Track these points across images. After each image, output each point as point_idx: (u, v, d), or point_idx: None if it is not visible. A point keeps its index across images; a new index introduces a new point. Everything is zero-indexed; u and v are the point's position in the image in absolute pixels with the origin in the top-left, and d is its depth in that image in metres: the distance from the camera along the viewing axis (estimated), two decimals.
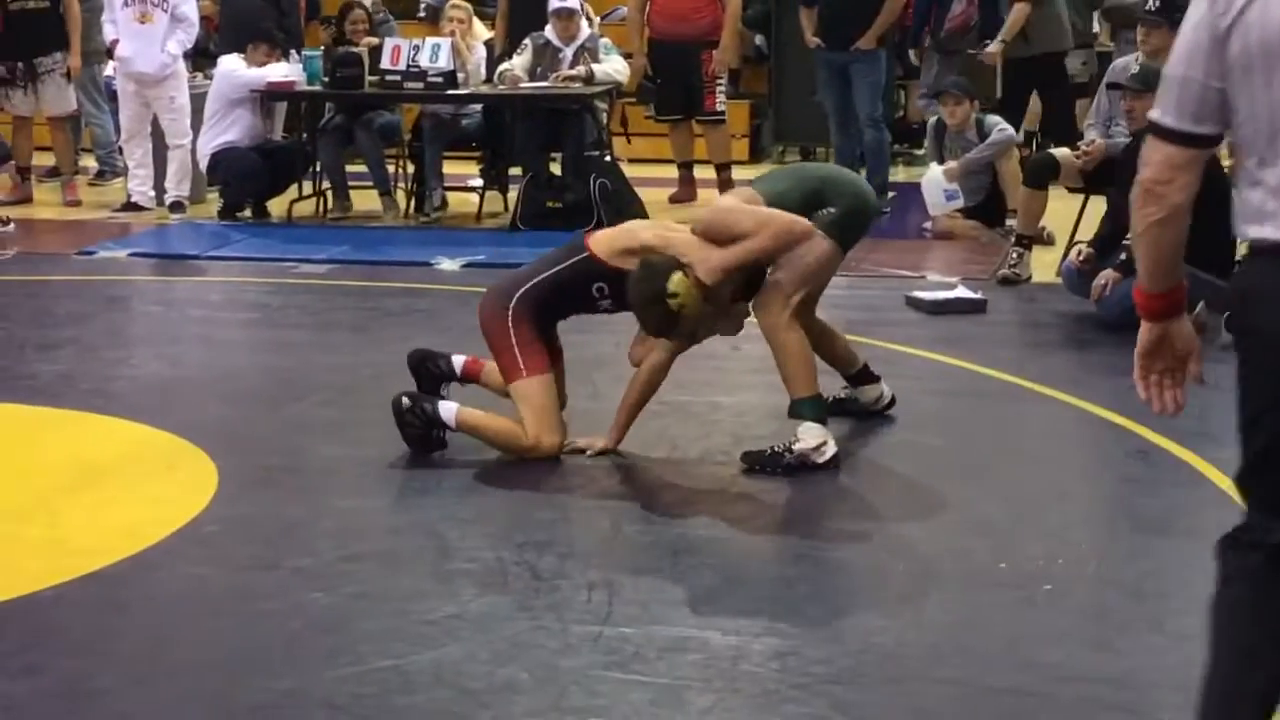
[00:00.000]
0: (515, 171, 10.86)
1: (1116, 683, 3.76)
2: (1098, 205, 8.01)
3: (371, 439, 5.62)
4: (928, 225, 10.02)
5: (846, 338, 6.04)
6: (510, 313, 5.51)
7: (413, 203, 10.96)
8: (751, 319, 5.52)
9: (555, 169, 10.70)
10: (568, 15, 10.55)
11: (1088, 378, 6.55)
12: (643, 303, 5.24)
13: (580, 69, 10.48)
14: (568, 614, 4.17)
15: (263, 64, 10.73)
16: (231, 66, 10.75)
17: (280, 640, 4.05)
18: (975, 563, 4.55)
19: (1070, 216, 8.77)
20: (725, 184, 11.13)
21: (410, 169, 11.17)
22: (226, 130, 10.64)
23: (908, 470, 5.45)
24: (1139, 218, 2.77)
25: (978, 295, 7.91)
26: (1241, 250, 3.09)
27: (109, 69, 11.89)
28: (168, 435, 5.77)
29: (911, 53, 12.78)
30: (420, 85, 10.37)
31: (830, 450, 5.34)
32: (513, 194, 10.67)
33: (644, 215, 8.83)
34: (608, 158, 10.59)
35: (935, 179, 9.79)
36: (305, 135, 11.14)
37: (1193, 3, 2.79)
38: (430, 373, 5.86)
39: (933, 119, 10.21)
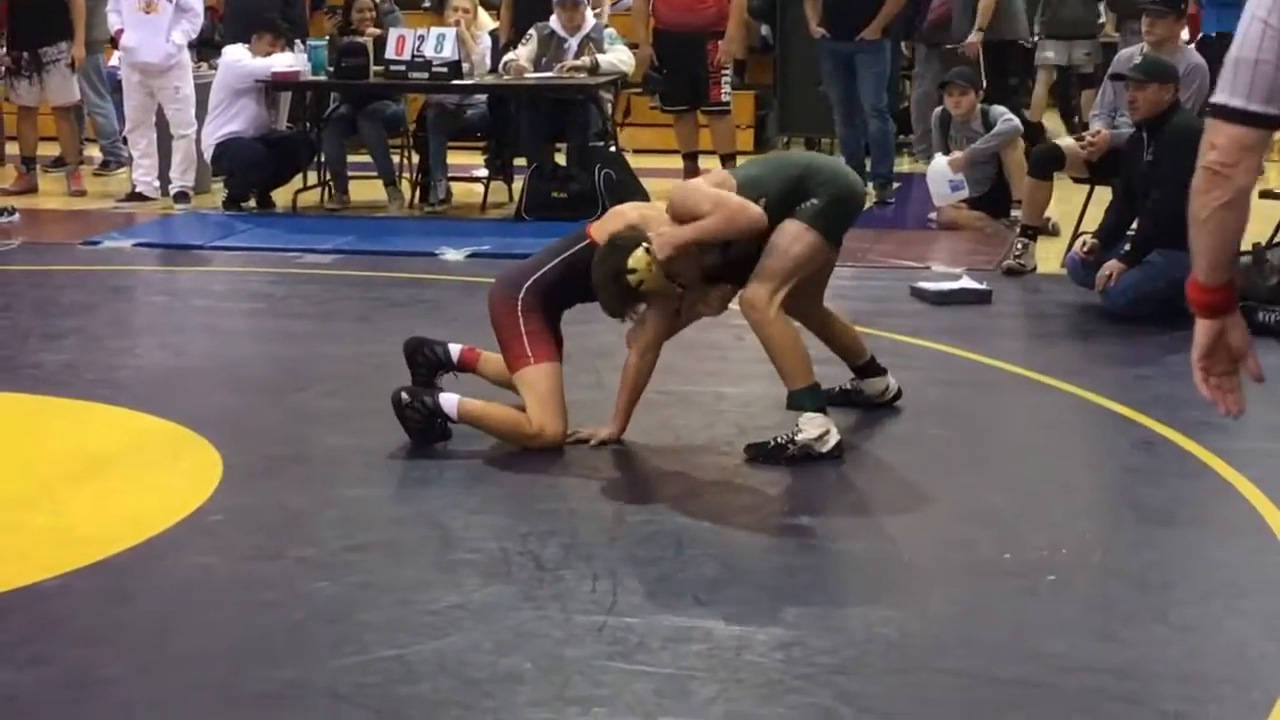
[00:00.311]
0: (520, 162, 10.85)
1: (1120, 673, 3.76)
2: (1103, 196, 8.00)
3: (375, 429, 5.62)
4: (933, 216, 10.01)
5: (857, 331, 6.03)
6: (520, 303, 5.53)
7: (417, 193, 10.96)
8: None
9: (560, 159, 10.71)
10: (572, 5, 10.55)
11: (1092, 368, 6.55)
12: (602, 279, 5.28)
13: (585, 59, 10.47)
14: (571, 604, 4.16)
15: (267, 54, 10.73)
16: (236, 56, 10.74)
17: (284, 630, 4.05)
18: (979, 553, 4.55)
19: (1075, 207, 8.76)
20: None
21: (415, 159, 11.17)
22: (231, 120, 10.63)
23: (912, 460, 5.44)
24: (1203, 203, 2.78)
25: (983, 286, 7.90)
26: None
27: (114, 59, 11.91)
28: (172, 425, 5.77)
29: (903, 45, 12.79)
30: (425, 75, 10.36)
31: (833, 439, 5.34)
32: (517, 184, 10.66)
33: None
34: (613, 148, 10.58)
35: (940, 170, 9.78)
36: (310, 125, 11.14)
37: None
38: (426, 359, 5.86)
39: (938, 110, 10.19)
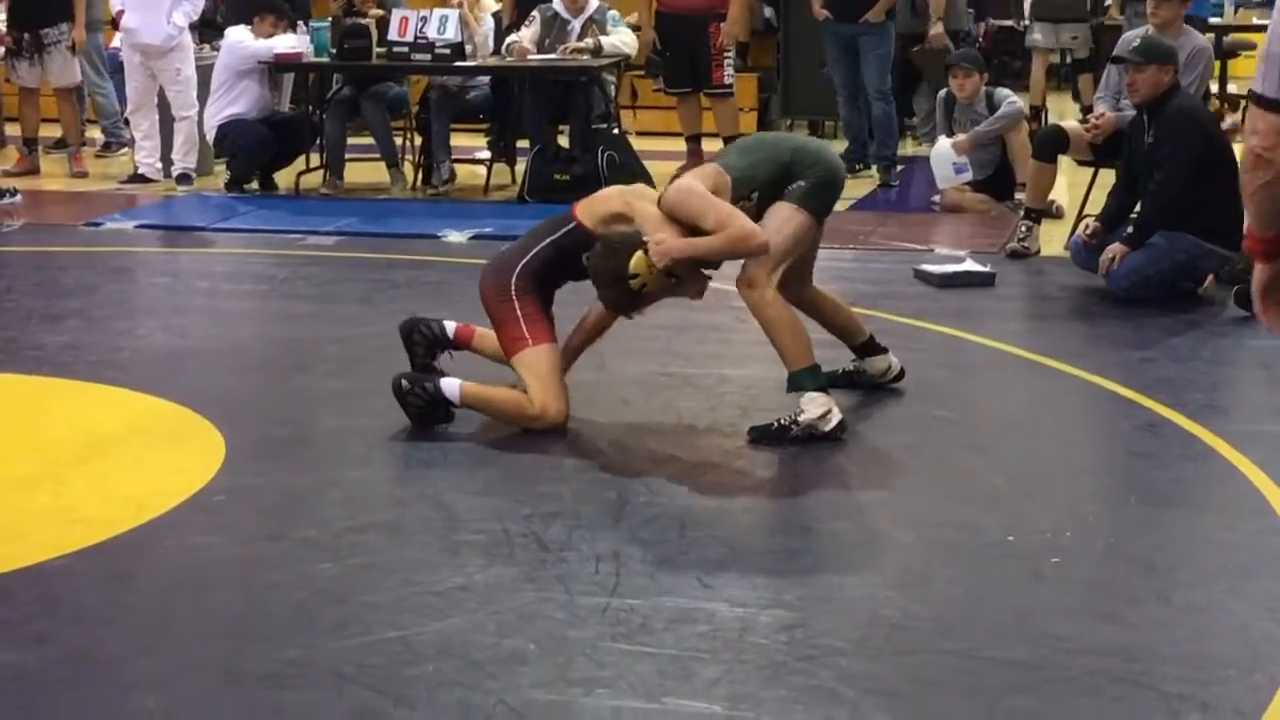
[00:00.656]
0: (523, 144, 10.84)
1: (1124, 655, 3.75)
2: (1107, 179, 7.99)
3: (378, 410, 5.61)
4: (936, 199, 10.00)
5: (851, 309, 6.02)
6: (514, 287, 5.53)
7: (420, 175, 10.95)
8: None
9: (563, 141, 10.69)
10: None
11: (1096, 351, 6.54)
12: (604, 282, 5.33)
13: (588, 41, 10.45)
14: (574, 585, 4.16)
15: (270, 35, 10.71)
16: (238, 38, 10.73)
17: (287, 610, 4.05)
18: (983, 535, 4.54)
19: (1080, 190, 8.75)
20: None
21: (418, 141, 11.15)
22: (234, 102, 10.62)
23: (915, 443, 5.44)
24: (1249, 180, 2.91)
25: (986, 268, 7.89)
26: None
27: (115, 40, 11.89)
28: (174, 406, 5.77)
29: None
30: (428, 57, 10.35)
31: (835, 418, 5.33)
32: (520, 166, 10.66)
33: (652, 188, 8.80)
34: (615, 130, 10.57)
35: (944, 152, 9.76)
36: (312, 107, 11.12)
37: None
38: (424, 336, 5.85)
39: (942, 92, 10.17)
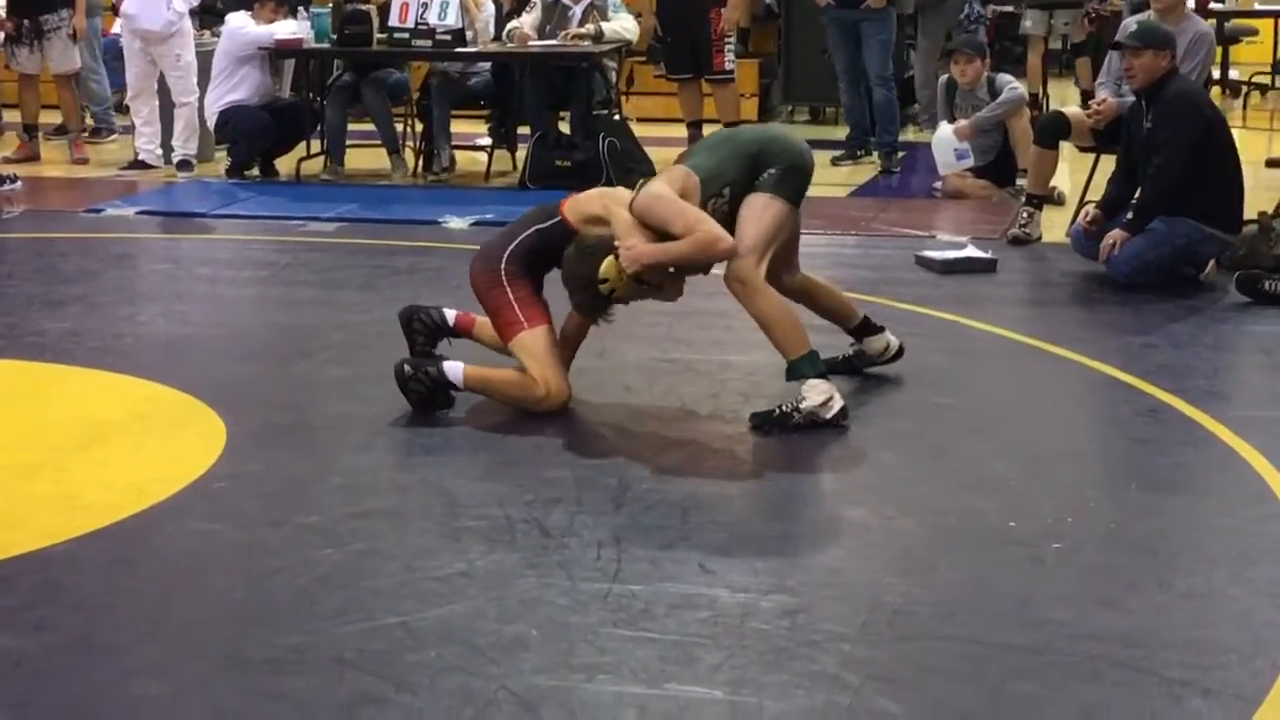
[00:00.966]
0: (524, 130, 10.83)
1: (1125, 640, 3.75)
2: (1109, 165, 7.98)
3: (379, 396, 5.61)
4: (938, 184, 9.99)
5: (842, 293, 6.01)
6: (504, 272, 5.56)
7: (421, 161, 10.94)
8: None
9: (564, 128, 10.68)
10: None
11: (1098, 337, 6.54)
12: (575, 286, 5.36)
13: (589, 27, 10.44)
14: (576, 571, 4.16)
15: (270, 21, 10.70)
16: (239, 24, 10.71)
17: (289, 596, 4.05)
18: (985, 521, 4.54)
19: (1081, 176, 8.74)
20: None
21: (418, 127, 11.14)
22: (234, 88, 10.61)
23: (917, 429, 5.44)
24: None
25: (988, 255, 7.88)
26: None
27: (115, 26, 11.87)
28: (176, 392, 5.77)
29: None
30: (429, 43, 10.33)
31: (837, 404, 5.33)
32: (521, 153, 10.65)
33: (653, 174, 8.78)
34: (616, 116, 10.56)
35: (945, 138, 9.75)
36: (313, 93, 11.11)
37: None
38: (423, 324, 5.84)
39: (943, 78, 10.16)
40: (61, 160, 11.54)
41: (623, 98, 11.24)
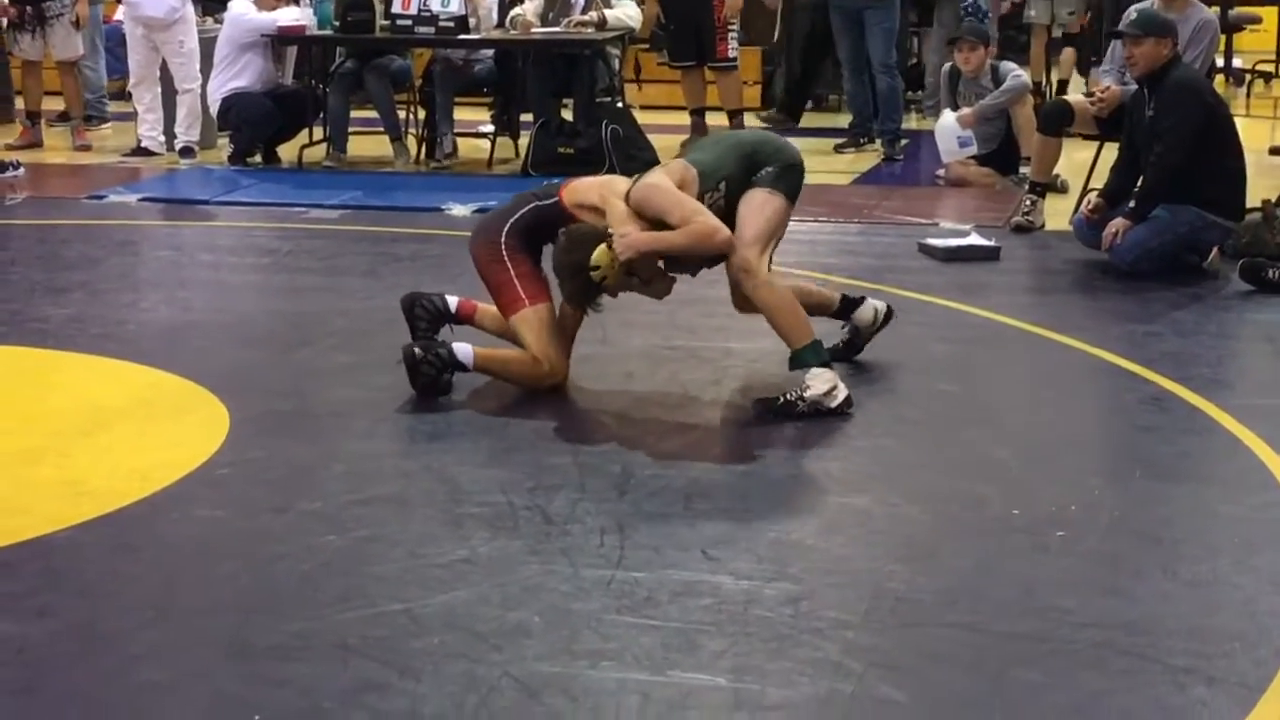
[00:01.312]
0: (527, 117, 10.82)
1: (1129, 628, 3.75)
2: (1112, 153, 7.96)
3: (382, 383, 5.61)
4: (941, 172, 9.99)
5: (811, 286, 6.01)
6: (504, 247, 5.58)
7: (424, 148, 10.93)
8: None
9: (567, 115, 10.67)
10: None
11: (1101, 324, 6.53)
12: (565, 273, 5.36)
13: (592, 14, 10.43)
14: (579, 558, 4.16)
15: (273, 8, 10.68)
16: (241, 10, 10.70)
17: (292, 582, 4.04)
18: (988, 509, 4.54)
19: (1085, 164, 8.73)
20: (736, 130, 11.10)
21: (421, 115, 11.13)
22: (237, 75, 10.60)
23: (920, 416, 5.43)
24: None
25: (991, 242, 7.87)
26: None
27: (118, 13, 11.86)
28: (178, 379, 5.77)
29: None
30: (432, 30, 10.32)
31: (841, 394, 5.33)
32: (524, 140, 10.64)
33: (655, 162, 8.79)
34: (620, 104, 10.55)
35: (949, 126, 9.75)
36: (316, 81, 11.10)
37: None
38: (426, 310, 5.84)
39: (947, 65, 10.15)
40: (64, 147, 11.53)
41: (626, 85, 11.21)
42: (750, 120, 11.53)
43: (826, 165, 10.53)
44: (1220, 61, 12.92)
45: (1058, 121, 8.41)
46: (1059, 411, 5.57)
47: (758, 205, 5.44)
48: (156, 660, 3.65)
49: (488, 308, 5.80)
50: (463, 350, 5.51)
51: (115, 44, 12.27)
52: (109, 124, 12.47)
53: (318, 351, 6.21)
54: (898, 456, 5.04)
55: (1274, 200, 7.63)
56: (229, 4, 11.02)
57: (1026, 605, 3.89)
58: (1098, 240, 7.45)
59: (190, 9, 10.96)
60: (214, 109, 10.77)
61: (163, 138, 11.09)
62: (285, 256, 8.04)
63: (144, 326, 6.62)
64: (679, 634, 3.73)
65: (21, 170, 10.23)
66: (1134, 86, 7.75)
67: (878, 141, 11.03)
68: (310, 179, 10.26)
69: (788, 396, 5.32)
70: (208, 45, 10.90)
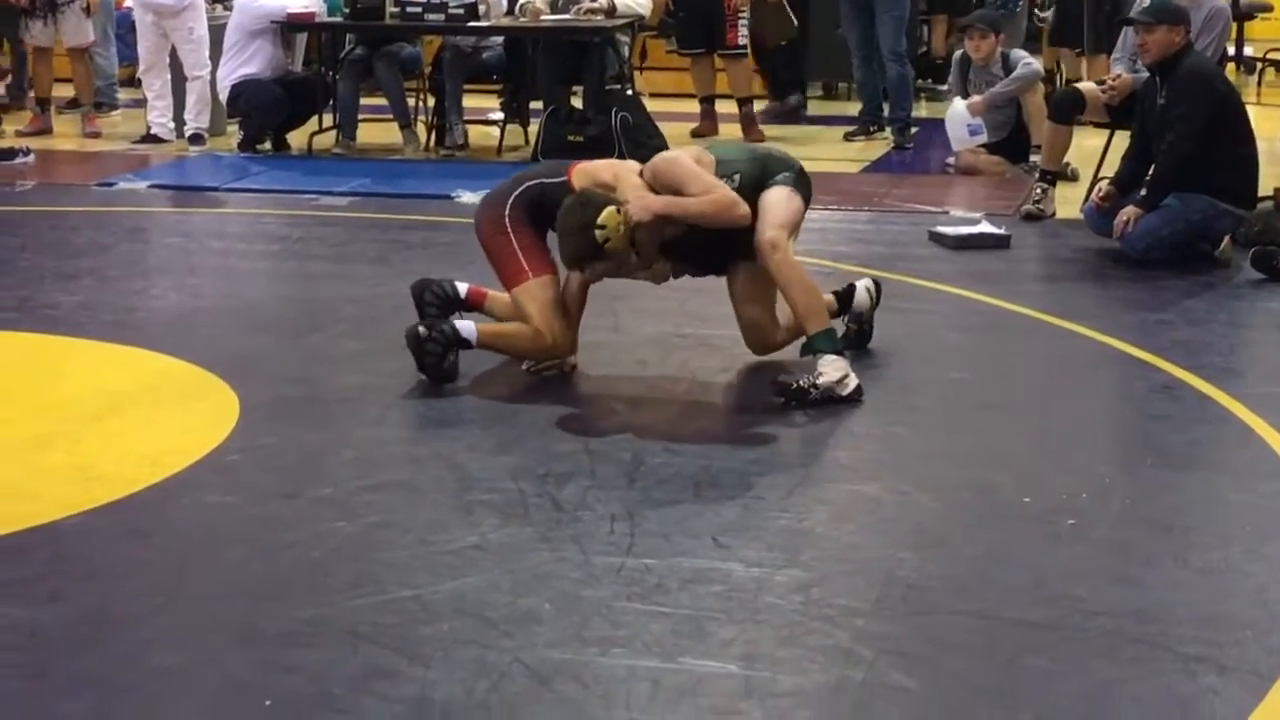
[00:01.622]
0: (536, 105, 10.81)
1: (1140, 616, 3.74)
2: (1123, 141, 7.95)
3: (392, 370, 5.61)
4: (951, 160, 9.97)
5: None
6: (508, 220, 5.59)
7: (433, 136, 10.93)
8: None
9: (576, 102, 10.66)
10: None
11: (1112, 313, 6.52)
12: (569, 228, 5.29)
13: (602, 1, 10.41)
14: (589, 545, 4.16)
15: None
16: None
17: (302, 569, 4.04)
18: (999, 496, 4.53)
19: (1095, 152, 8.72)
20: (747, 118, 11.09)
21: (431, 102, 11.12)
22: (247, 62, 10.59)
23: (931, 404, 5.43)
24: None
25: (1001, 230, 7.86)
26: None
27: (127, 0, 11.86)
28: (188, 365, 5.77)
29: None
30: (441, 17, 10.30)
31: (853, 382, 5.32)
32: (533, 127, 10.63)
33: (665, 149, 8.77)
34: (629, 91, 10.54)
35: (959, 114, 9.73)
36: (325, 67, 11.09)
37: None
38: (436, 296, 5.84)
39: (958, 53, 10.13)
40: (73, 134, 11.53)
41: (635, 72, 11.20)
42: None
43: (836, 153, 10.51)
44: (1231, 50, 12.89)
45: (1069, 109, 8.39)
46: (1070, 399, 5.56)
47: (783, 198, 5.47)
48: (167, 645, 3.65)
49: (498, 294, 5.79)
50: (466, 327, 5.52)
51: (125, 31, 12.26)
52: (119, 111, 12.47)
53: (327, 338, 6.21)
54: (908, 444, 5.03)
55: None
56: None
57: (1037, 593, 3.89)
58: (1109, 228, 7.43)
59: None
60: (223, 96, 10.77)
61: (172, 124, 11.08)
62: (295, 243, 8.04)
63: (154, 313, 6.62)
64: (689, 621, 3.72)
65: (31, 157, 10.24)
66: (1146, 74, 7.73)
67: (887, 129, 11.01)
68: (320, 166, 10.26)
69: (801, 382, 5.31)
70: (217, 32, 10.89)
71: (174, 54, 10.98)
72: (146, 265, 7.81)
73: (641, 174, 5.46)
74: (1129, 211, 7.30)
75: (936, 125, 10.68)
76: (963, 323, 6.45)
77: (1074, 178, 9.15)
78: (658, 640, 3.63)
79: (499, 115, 11.27)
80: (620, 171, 5.54)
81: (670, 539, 4.20)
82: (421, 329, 5.50)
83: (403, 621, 3.72)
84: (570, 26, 10.39)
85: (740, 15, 11.09)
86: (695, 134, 11.07)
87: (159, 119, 11.07)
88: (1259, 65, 14.33)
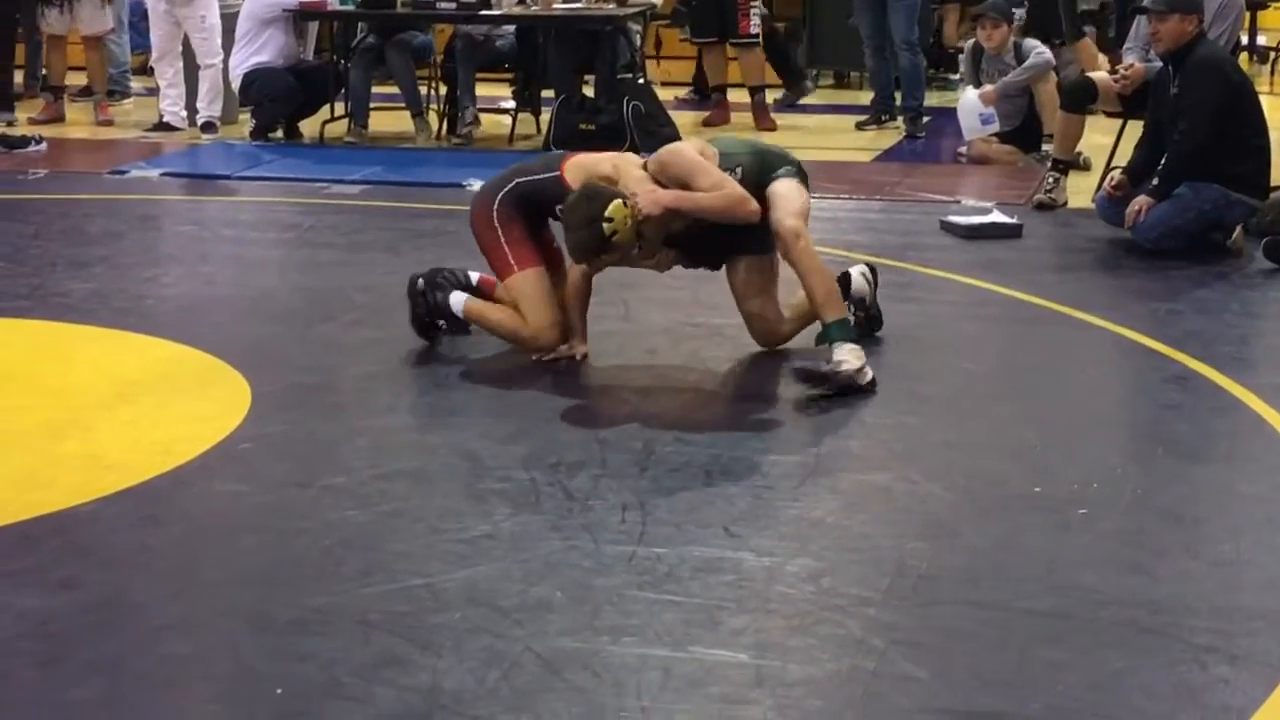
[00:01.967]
0: (548, 94, 10.81)
1: (1152, 606, 3.74)
2: (1136, 130, 7.94)
3: (404, 358, 5.62)
4: (963, 149, 9.96)
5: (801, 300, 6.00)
6: (496, 215, 5.64)
7: (445, 124, 10.93)
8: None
9: (588, 91, 10.65)
10: None
11: (1123, 303, 6.51)
12: (577, 221, 5.29)
13: None
14: (601, 534, 4.16)
15: None
16: None
17: (314, 557, 4.05)
18: (1010, 487, 4.53)
19: (1108, 142, 8.70)
20: (759, 107, 11.08)
21: (443, 90, 11.12)
22: (259, 50, 10.60)
23: (943, 394, 5.42)
24: None
25: (1013, 220, 7.85)
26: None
27: None
28: (200, 353, 5.77)
29: None
30: (453, 5, 10.31)
31: (869, 373, 5.32)
32: (545, 116, 10.63)
33: (677, 138, 8.77)
34: (641, 80, 10.53)
35: (971, 103, 9.71)
36: (337, 56, 11.09)
37: None
38: (448, 282, 5.85)
39: (970, 42, 10.11)
40: (86, 122, 11.54)
41: (647, 61, 11.19)
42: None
43: (848, 142, 10.51)
44: (1244, 39, 12.86)
45: (1081, 98, 8.38)
46: (1081, 390, 5.56)
47: (793, 188, 5.49)
48: (179, 633, 3.66)
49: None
50: (456, 300, 5.67)
51: (137, 19, 12.27)
52: (131, 99, 12.48)
53: (339, 327, 6.21)
54: (919, 434, 5.03)
55: None
56: None
57: (1048, 583, 3.89)
58: (1120, 218, 7.42)
59: None
60: (236, 84, 10.78)
61: (184, 113, 11.09)
62: (307, 232, 8.04)
63: (166, 301, 6.63)
64: (700, 610, 3.73)
65: (43, 145, 10.25)
66: (1158, 63, 7.72)
67: (899, 119, 11.00)
68: (332, 154, 10.27)
69: (822, 368, 5.28)
70: (230, 20, 10.89)
71: (186, 42, 10.99)
72: (158, 253, 7.82)
73: (645, 167, 5.46)
74: (1141, 201, 7.28)
75: (948, 114, 10.67)
76: (974, 312, 6.44)
77: (1086, 167, 9.14)
78: (669, 629, 3.64)
79: (511, 104, 11.27)
80: (620, 164, 5.55)
81: (681, 528, 4.20)
82: (421, 281, 5.73)
83: (414, 610, 3.73)
84: (582, 15, 10.39)
85: (752, 4, 11.08)
86: (707, 123, 11.08)
87: (171, 107, 11.08)
88: (1272, 55, 14.28)
